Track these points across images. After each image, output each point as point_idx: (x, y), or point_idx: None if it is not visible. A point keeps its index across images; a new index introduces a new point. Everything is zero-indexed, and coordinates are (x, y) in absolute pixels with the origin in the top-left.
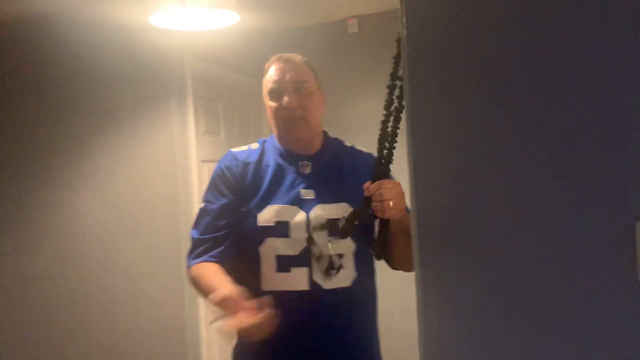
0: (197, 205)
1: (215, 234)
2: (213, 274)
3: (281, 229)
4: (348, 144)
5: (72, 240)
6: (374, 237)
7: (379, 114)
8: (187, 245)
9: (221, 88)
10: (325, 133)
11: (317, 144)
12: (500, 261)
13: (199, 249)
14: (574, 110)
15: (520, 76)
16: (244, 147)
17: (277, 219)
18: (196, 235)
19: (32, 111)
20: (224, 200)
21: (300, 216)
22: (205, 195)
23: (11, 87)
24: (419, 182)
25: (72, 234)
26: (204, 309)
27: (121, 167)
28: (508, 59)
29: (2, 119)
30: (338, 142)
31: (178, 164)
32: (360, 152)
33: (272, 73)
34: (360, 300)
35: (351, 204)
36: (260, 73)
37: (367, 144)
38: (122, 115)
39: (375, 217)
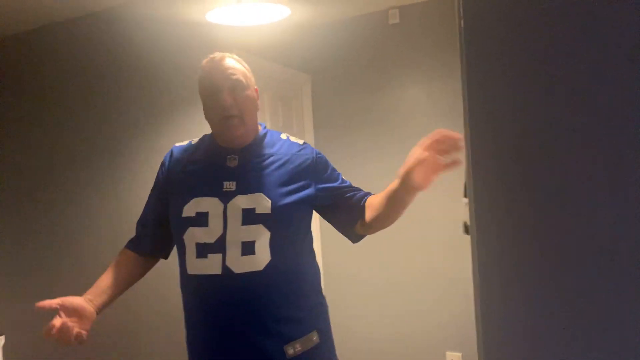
0: None
1: (142, 224)
2: (107, 270)
3: (201, 219)
4: (284, 136)
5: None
6: (309, 222)
7: (421, 104)
8: None
9: (267, 81)
10: (262, 126)
11: (249, 138)
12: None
13: (139, 237)
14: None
15: (582, 62)
16: (185, 142)
17: (197, 210)
18: (137, 222)
19: (98, 104)
20: (155, 192)
21: (218, 207)
22: None
23: (79, 81)
24: (476, 154)
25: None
26: None
27: None
28: (569, 45)
29: (72, 110)
30: (272, 135)
31: None
32: (293, 143)
33: (206, 72)
34: (278, 282)
35: (266, 194)
36: (304, 65)
37: (411, 134)
38: (180, 109)
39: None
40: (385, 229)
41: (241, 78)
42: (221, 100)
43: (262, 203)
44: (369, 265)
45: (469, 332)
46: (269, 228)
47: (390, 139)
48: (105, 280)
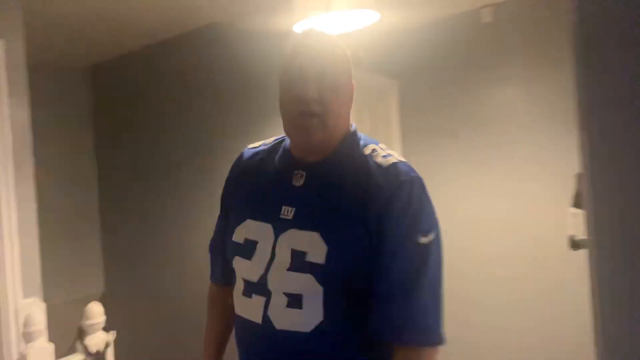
0: None
1: (216, 250)
2: (209, 328)
3: (247, 249)
4: (367, 150)
5: None
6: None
7: (519, 107)
8: None
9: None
10: (347, 136)
11: (327, 150)
12: None
13: (211, 266)
14: None
15: None
16: (258, 144)
17: (247, 236)
18: (209, 250)
19: (196, 115)
20: (223, 211)
21: (269, 238)
22: None
23: (179, 96)
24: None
25: None
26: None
27: None
28: None
29: (170, 119)
30: (354, 148)
31: None
32: (372, 166)
33: (295, 49)
34: (328, 349)
35: (324, 235)
36: (390, 70)
37: (509, 140)
38: (272, 118)
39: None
40: (483, 240)
41: (338, 65)
42: (302, 89)
43: (317, 248)
44: (470, 281)
45: (579, 350)
46: (321, 282)
47: (486, 146)
48: (211, 334)
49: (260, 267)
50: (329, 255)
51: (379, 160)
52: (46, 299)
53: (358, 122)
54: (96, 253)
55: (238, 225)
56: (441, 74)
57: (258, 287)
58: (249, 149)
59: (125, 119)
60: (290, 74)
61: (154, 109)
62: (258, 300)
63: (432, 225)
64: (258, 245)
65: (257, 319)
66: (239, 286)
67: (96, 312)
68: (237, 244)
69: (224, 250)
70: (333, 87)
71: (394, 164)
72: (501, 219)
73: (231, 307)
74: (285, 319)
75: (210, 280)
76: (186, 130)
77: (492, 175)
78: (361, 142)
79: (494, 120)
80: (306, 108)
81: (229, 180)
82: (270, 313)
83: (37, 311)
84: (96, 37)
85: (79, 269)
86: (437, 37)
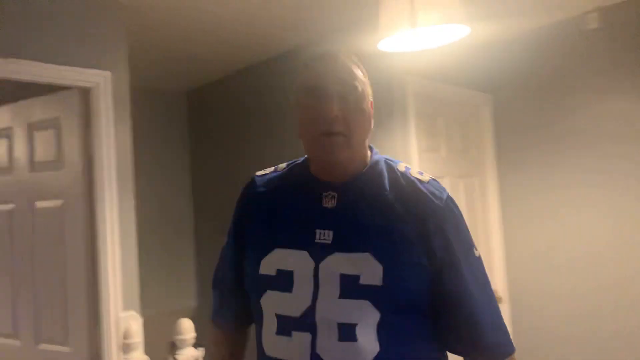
0: None
1: (222, 287)
2: None
3: (283, 280)
4: (401, 167)
5: None
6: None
7: (631, 119)
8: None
9: (441, 103)
10: (372, 150)
11: (354, 170)
12: None
13: (214, 303)
14: None
15: None
16: (268, 170)
17: (278, 267)
18: (213, 286)
19: (279, 135)
20: (231, 241)
21: (307, 266)
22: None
23: (263, 118)
24: None
25: None
26: None
27: None
28: None
29: (255, 141)
30: (384, 166)
31: None
32: (414, 181)
33: (312, 73)
34: None
35: (376, 255)
36: (483, 84)
37: (622, 155)
38: None
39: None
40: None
41: (357, 85)
42: (326, 110)
43: (371, 269)
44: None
45: None
46: (378, 307)
47: (594, 164)
48: None
49: (304, 300)
50: (385, 276)
51: (419, 176)
52: (141, 310)
53: (448, 140)
54: (190, 268)
55: (264, 256)
56: (539, 87)
57: (301, 323)
58: (259, 176)
59: (217, 139)
60: (311, 95)
61: (245, 129)
62: (301, 337)
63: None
64: (295, 275)
65: (304, 358)
66: (271, 325)
67: (187, 327)
68: (268, 276)
69: (235, 286)
70: (355, 105)
71: (432, 180)
72: (613, 248)
73: (242, 350)
74: (339, 354)
75: (215, 322)
76: (277, 149)
77: (607, 201)
78: (390, 162)
79: (602, 136)
80: (330, 127)
81: (241, 210)
82: (320, 350)
83: (135, 324)
84: (191, 64)
85: (173, 283)
86: (534, 48)
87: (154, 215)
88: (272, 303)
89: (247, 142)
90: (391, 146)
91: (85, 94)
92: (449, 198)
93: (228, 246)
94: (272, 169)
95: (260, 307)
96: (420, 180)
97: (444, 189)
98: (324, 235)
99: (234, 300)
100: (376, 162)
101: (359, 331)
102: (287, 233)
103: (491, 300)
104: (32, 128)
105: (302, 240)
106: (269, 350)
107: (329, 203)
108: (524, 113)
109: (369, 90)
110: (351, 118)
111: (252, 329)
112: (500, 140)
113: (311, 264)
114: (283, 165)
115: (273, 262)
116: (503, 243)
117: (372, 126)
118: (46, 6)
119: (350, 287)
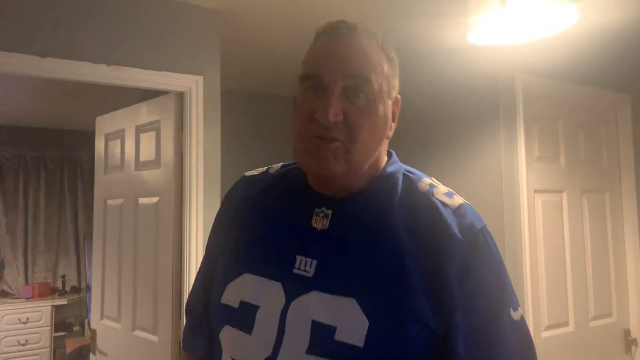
0: (526, 242)
1: (196, 310)
2: None
3: (245, 316)
4: (424, 185)
5: None
6: None
7: None
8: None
9: (562, 105)
10: (386, 164)
11: (357, 183)
12: None
13: (184, 331)
14: None
15: None
16: (258, 171)
17: (243, 298)
18: (185, 311)
19: None
20: (205, 254)
21: (276, 302)
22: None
23: None
24: None
25: None
26: None
27: None
28: None
29: None
30: (401, 181)
31: (505, 194)
32: (436, 205)
33: (318, 51)
34: None
35: (362, 304)
36: (618, 83)
37: None
38: (446, 143)
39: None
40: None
41: (372, 78)
42: (322, 107)
43: (351, 322)
44: None
45: None
46: None
47: None
48: None
49: (264, 347)
50: (370, 335)
51: (444, 198)
52: None
53: (568, 148)
54: None
55: (230, 281)
56: None
57: None
58: (247, 176)
59: None
60: (307, 82)
61: None
62: None
63: (515, 295)
64: (259, 313)
65: None
66: None
67: None
68: (229, 308)
69: (208, 313)
70: (365, 105)
71: (463, 206)
72: None
73: None
74: None
75: (186, 352)
76: None
77: None
78: (410, 175)
79: None
80: (324, 131)
81: (219, 217)
82: None
83: None
84: (280, 66)
85: None
86: None
87: None
88: (230, 343)
89: None
90: (492, 155)
91: (179, 98)
92: (483, 233)
93: (202, 263)
94: (263, 169)
95: (220, 341)
96: (444, 204)
97: (478, 219)
98: (305, 265)
99: (206, 329)
100: (390, 175)
101: None
102: (263, 255)
103: None
104: (139, 130)
105: (277, 268)
106: None
107: (320, 223)
108: None
109: (392, 84)
110: (356, 121)
111: None
112: None
113: (282, 300)
114: (278, 165)
115: (239, 290)
116: None
117: (392, 131)
118: (147, 18)
119: (322, 341)
